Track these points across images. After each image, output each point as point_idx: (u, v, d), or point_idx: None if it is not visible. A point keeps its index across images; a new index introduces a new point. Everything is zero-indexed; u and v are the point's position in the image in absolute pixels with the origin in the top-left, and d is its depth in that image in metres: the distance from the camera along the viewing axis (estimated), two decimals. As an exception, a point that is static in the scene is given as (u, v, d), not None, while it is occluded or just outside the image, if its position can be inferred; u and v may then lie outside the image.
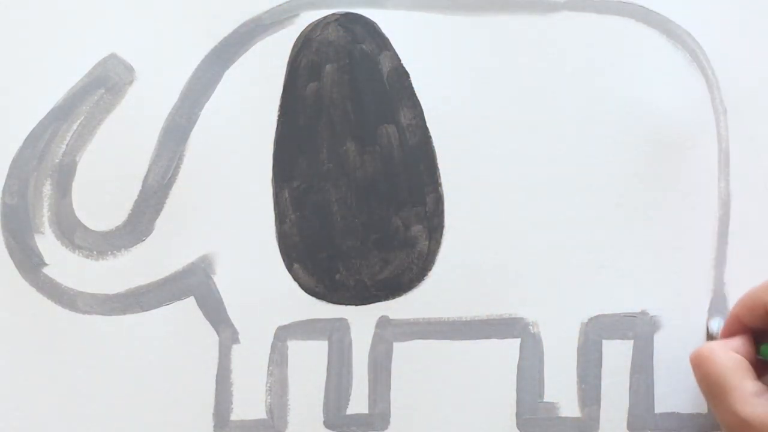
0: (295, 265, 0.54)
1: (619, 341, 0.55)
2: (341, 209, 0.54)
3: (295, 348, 0.54)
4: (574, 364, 0.55)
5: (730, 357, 0.49)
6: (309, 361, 0.54)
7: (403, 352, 0.55)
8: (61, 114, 0.54)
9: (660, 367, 0.55)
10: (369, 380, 0.54)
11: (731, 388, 0.48)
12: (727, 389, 0.48)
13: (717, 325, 0.54)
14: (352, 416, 0.54)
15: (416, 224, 0.55)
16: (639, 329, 0.55)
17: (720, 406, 0.49)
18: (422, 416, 0.54)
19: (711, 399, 0.50)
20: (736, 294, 0.55)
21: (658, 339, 0.55)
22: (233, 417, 0.54)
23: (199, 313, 0.54)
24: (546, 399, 0.55)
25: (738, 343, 0.51)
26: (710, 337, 0.54)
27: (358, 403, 0.54)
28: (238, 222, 0.54)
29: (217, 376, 0.54)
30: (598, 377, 0.55)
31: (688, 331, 0.55)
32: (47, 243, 0.53)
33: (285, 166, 0.54)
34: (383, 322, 0.55)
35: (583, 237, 0.55)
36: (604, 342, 0.55)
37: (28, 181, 0.53)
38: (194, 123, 0.54)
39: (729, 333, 0.52)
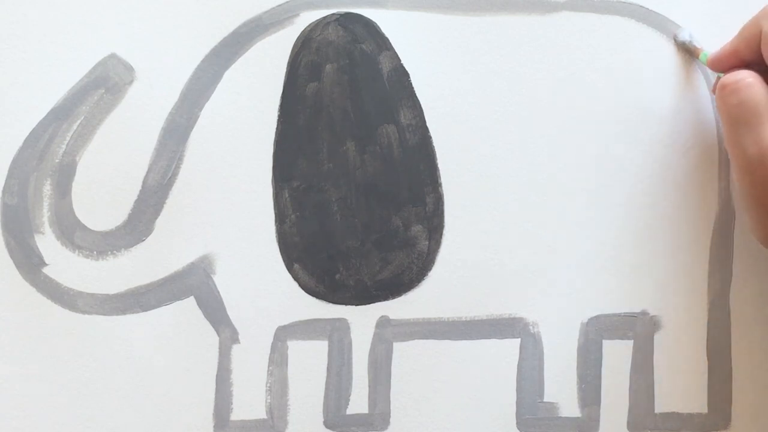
0: (295, 265, 0.54)
1: (619, 341, 0.55)
2: (341, 209, 0.54)
3: (295, 348, 0.54)
4: (574, 364, 0.55)
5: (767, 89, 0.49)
6: (309, 361, 0.54)
7: (403, 352, 0.55)
8: (61, 114, 0.54)
9: (660, 367, 0.55)
10: (369, 380, 0.55)
11: (766, 119, 0.48)
12: (764, 119, 0.48)
13: (687, 34, 0.54)
14: (352, 416, 0.54)
15: (416, 224, 0.55)
16: (639, 329, 0.55)
17: (749, 135, 0.48)
18: (422, 416, 0.54)
19: (742, 126, 0.49)
20: (736, 294, 0.55)
21: (658, 339, 0.55)
22: (233, 417, 0.54)
23: (199, 313, 0.54)
24: (546, 399, 0.55)
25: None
26: (684, 47, 0.54)
27: (358, 403, 0.54)
28: (238, 222, 0.54)
29: (217, 376, 0.54)
30: (598, 377, 0.55)
31: (688, 331, 0.55)
32: (47, 243, 0.53)
33: (285, 166, 0.54)
34: (383, 322, 0.55)
35: (583, 237, 0.55)
36: (604, 342, 0.55)
37: (28, 181, 0.53)
38: (194, 123, 0.54)
39: (723, 66, 0.52)
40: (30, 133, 0.54)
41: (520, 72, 0.55)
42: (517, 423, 0.55)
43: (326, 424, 0.54)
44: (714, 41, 0.55)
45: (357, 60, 0.54)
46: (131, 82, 0.54)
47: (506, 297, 0.55)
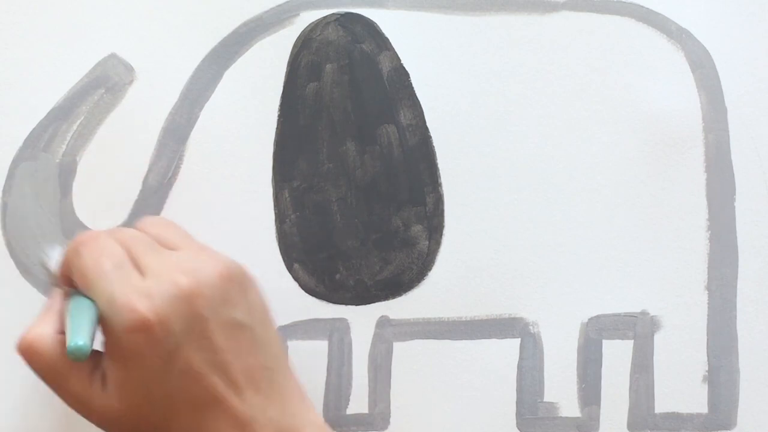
0: (295, 265, 0.54)
1: (619, 341, 0.55)
2: (341, 209, 0.54)
3: (295, 348, 0.54)
4: (574, 364, 0.55)
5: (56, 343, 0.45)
6: (309, 361, 0.54)
7: (403, 352, 0.55)
8: (61, 114, 0.54)
9: (660, 367, 0.55)
10: (369, 380, 0.54)
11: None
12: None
13: (56, 255, 0.48)
14: (352, 416, 0.54)
15: (416, 224, 0.55)
16: (639, 329, 0.55)
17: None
18: (422, 416, 0.54)
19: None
20: (738, 293, 0.55)
21: (658, 339, 0.55)
22: (233, 417, 0.54)
23: (199, 313, 0.54)
24: (546, 399, 0.55)
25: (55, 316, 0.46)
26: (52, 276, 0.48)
27: (358, 403, 0.54)
28: (238, 222, 0.54)
29: (217, 376, 0.54)
30: (598, 377, 0.55)
31: (688, 331, 0.55)
32: (47, 243, 0.53)
33: (285, 166, 0.54)
34: (383, 322, 0.55)
35: (583, 237, 0.55)
36: (604, 342, 0.55)
37: (28, 181, 0.53)
38: (194, 123, 0.54)
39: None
40: (30, 133, 0.53)
41: (520, 72, 0.55)
42: (517, 423, 0.54)
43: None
44: (714, 41, 0.55)
45: (357, 60, 0.54)
46: (131, 82, 0.54)
47: (506, 297, 0.55)
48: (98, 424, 0.46)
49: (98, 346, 0.45)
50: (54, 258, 0.48)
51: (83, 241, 0.46)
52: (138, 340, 0.43)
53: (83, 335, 0.43)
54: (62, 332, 0.45)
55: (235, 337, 0.45)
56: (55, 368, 0.45)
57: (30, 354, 0.45)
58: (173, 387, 0.44)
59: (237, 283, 0.46)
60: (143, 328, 0.43)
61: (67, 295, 0.46)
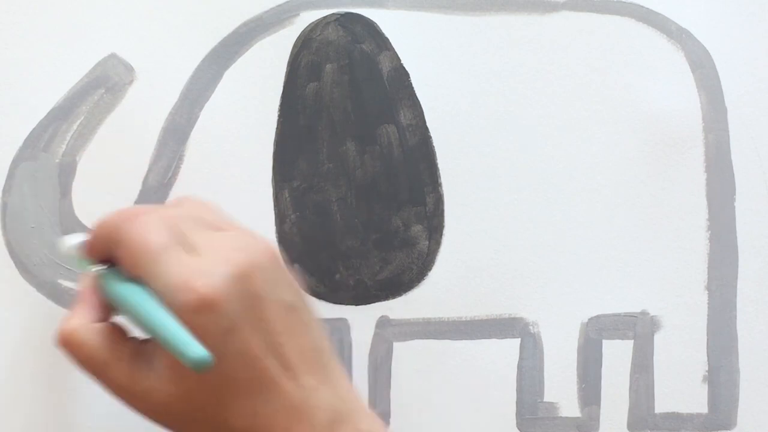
0: (295, 265, 0.54)
1: (619, 341, 0.55)
2: (341, 209, 0.54)
3: (295, 348, 0.54)
4: (574, 364, 0.55)
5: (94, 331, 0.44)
6: (309, 361, 0.54)
7: (403, 352, 0.55)
8: (61, 114, 0.54)
9: (660, 367, 0.55)
10: (369, 380, 0.54)
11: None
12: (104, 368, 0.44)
13: (76, 238, 0.46)
14: (352, 416, 0.54)
15: (416, 224, 0.55)
16: (639, 329, 0.55)
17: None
18: (422, 416, 0.54)
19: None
20: (738, 293, 0.55)
21: (658, 339, 0.55)
22: (233, 417, 0.54)
23: (199, 313, 0.54)
24: (546, 399, 0.55)
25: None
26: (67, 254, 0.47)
27: (358, 403, 0.54)
28: (238, 222, 0.54)
29: (217, 376, 0.54)
30: (598, 377, 0.55)
31: (688, 331, 0.55)
32: (47, 243, 0.53)
33: (285, 166, 0.54)
34: (383, 322, 0.55)
35: (583, 237, 0.55)
36: (604, 342, 0.55)
37: (28, 181, 0.53)
38: (194, 123, 0.54)
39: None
40: (30, 133, 0.53)
41: (520, 72, 0.55)
42: (517, 423, 0.54)
43: (326, 424, 0.54)
44: (714, 41, 0.55)
45: (357, 60, 0.54)
46: (131, 82, 0.54)
47: (506, 297, 0.55)
48: (145, 412, 0.44)
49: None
50: (74, 239, 0.46)
51: (126, 218, 0.44)
52: (196, 321, 0.41)
53: (193, 341, 0.41)
54: (100, 321, 0.44)
55: (288, 318, 0.43)
56: (98, 358, 0.43)
57: (72, 346, 0.44)
58: (228, 370, 0.42)
59: (282, 264, 0.45)
60: (203, 308, 0.41)
61: (100, 278, 0.44)
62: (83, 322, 0.44)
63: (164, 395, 0.43)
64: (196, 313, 0.41)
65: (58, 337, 0.44)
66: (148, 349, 0.43)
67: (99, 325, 0.44)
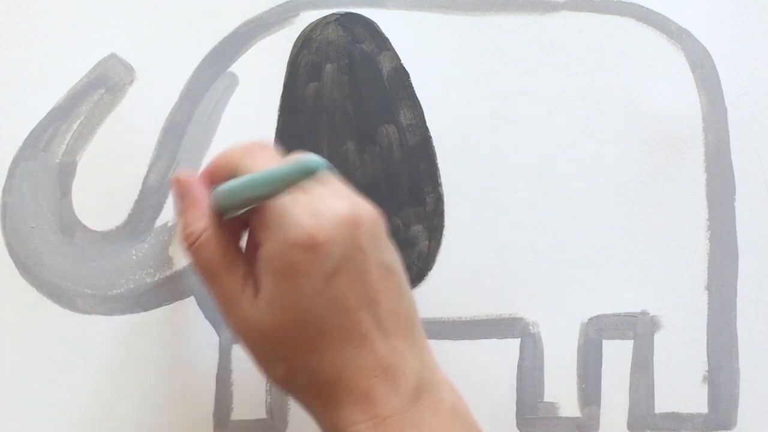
0: (295, 265, 0.54)
1: (619, 341, 0.55)
2: (341, 209, 0.54)
3: (295, 348, 0.54)
4: (574, 364, 0.55)
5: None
6: (309, 361, 0.54)
7: (403, 352, 0.54)
8: (61, 114, 0.54)
9: (660, 367, 0.55)
10: (369, 380, 0.54)
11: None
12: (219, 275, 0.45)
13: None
14: (352, 416, 0.54)
15: (416, 224, 0.55)
16: (639, 329, 0.55)
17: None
18: (422, 416, 0.54)
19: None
20: (738, 293, 0.55)
21: (658, 339, 0.55)
22: (233, 417, 0.54)
23: (199, 313, 0.54)
24: (546, 399, 0.55)
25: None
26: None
27: (358, 403, 0.54)
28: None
29: (217, 376, 0.54)
30: (598, 377, 0.55)
31: (688, 331, 0.55)
32: (47, 243, 0.53)
33: (285, 166, 0.54)
34: (383, 322, 0.54)
35: (583, 237, 0.55)
36: (604, 342, 0.55)
37: (28, 181, 0.53)
38: (194, 123, 0.54)
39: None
40: (30, 133, 0.53)
41: (520, 72, 0.55)
42: (517, 423, 0.55)
43: (326, 424, 0.54)
44: (714, 41, 0.55)
45: (357, 60, 0.54)
46: (131, 82, 0.54)
47: (506, 297, 0.55)
48: (238, 332, 0.45)
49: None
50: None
51: (253, 149, 0.46)
52: (300, 257, 0.42)
53: (303, 155, 0.44)
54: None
55: (386, 279, 0.44)
56: (215, 264, 0.45)
57: (197, 247, 0.45)
58: (323, 313, 0.43)
59: (384, 227, 0.45)
60: (309, 245, 0.42)
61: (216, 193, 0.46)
62: (208, 225, 0.45)
63: (259, 324, 0.44)
64: (300, 249, 0.42)
65: (185, 236, 0.45)
66: (259, 276, 0.44)
67: (223, 236, 0.45)
